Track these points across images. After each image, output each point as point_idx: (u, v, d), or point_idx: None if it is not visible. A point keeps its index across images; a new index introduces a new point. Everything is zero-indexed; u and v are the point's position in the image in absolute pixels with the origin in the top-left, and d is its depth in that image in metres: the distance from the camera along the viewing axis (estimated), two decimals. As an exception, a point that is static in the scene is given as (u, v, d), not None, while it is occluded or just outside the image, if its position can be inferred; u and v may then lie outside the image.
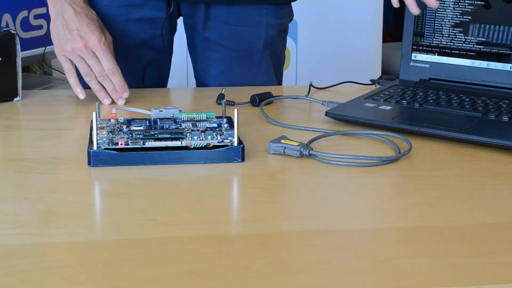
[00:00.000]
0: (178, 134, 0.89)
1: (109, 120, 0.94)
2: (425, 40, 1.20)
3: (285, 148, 0.90)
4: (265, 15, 1.29)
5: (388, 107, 1.07)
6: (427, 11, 1.19)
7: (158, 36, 1.27)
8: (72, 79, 1.15)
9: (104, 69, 1.12)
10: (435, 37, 1.19)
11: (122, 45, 1.25)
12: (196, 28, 1.29)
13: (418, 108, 1.07)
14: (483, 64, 1.17)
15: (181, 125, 0.93)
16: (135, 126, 0.92)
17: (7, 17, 1.93)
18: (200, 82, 1.34)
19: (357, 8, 2.35)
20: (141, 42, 1.27)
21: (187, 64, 2.13)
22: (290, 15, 1.35)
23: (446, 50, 1.19)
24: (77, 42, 1.11)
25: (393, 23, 3.54)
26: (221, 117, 0.96)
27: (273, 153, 0.90)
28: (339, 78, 1.33)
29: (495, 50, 1.15)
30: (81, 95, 1.15)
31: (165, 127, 0.92)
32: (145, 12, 1.25)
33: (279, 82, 1.38)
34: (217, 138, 0.89)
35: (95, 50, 1.12)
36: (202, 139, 0.88)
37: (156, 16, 1.26)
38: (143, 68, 1.29)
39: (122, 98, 1.15)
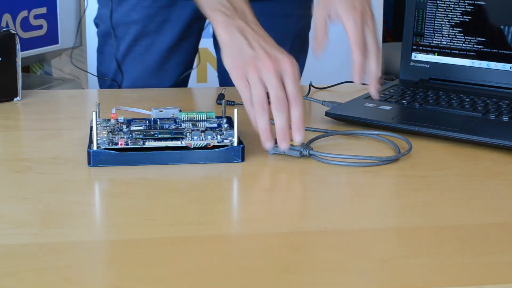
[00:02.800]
0: (178, 134, 0.89)
1: (109, 120, 0.94)
2: (425, 40, 1.20)
3: None
4: (296, 6, 1.32)
5: (388, 107, 1.07)
6: (427, 11, 1.19)
7: (191, 36, 1.28)
8: (263, 120, 0.87)
9: (288, 95, 0.87)
10: (435, 37, 1.19)
11: (158, 44, 1.27)
12: None
13: (418, 108, 1.07)
14: (483, 64, 1.17)
15: (181, 125, 0.93)
16: (135, 126, 0.92)
17: (7, 17, 1.93)
18: (226, 76, 1.34)
19: (357, 8, 2.35)
20: (175, 42, 1.28)
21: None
22: (312, 8, 1.37)
23: (446, 50, 1.19)
24: (265, 60, 0.88)
25: (393, 23, 3.54)
26: (221, 117, 0.96)
27: (273, 153, 0.90)
28: (339, 78, 1.33)
29: (495, 50, 1.15)
30: (269, 144, 0.88)
31: (165, 127, 0.92)
32: (183, 12, 1.26)
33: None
34: (217, 138, 0.89)
35: (285, 73, 0.88)
36: (202, 139, 0.88)
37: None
38: (172, 68, 1.30)
39: (284, 142, 0.87)
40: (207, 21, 1.18)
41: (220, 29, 0.93)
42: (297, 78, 0.88)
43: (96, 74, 1.34)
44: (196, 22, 1.28)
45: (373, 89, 0.99)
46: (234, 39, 0.92)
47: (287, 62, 0.88)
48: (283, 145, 0.87)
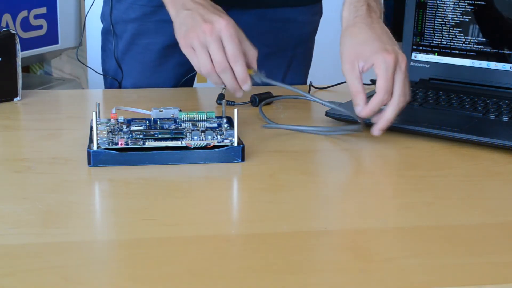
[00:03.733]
0: (178, 134, 0.89)
1: (109, 120, 0.94)
2: (425, 40, 1.20)
3: None
4: (299, 13, 1.32)
5: (388, 107, 1.07)
6: (427, 11, 1.19)
7: None
8: (214, 80, 0.98)
9: (227, 55, 0.95)
10: (435, 37, 1.19)
11: (155, 43, 1.27)
12: None
13: (418, 108, 1.07)
14: (483, 64, 1.17)
15: (181, 125, 0.93)
16: (135, 126, 0.92)
17: (7, 17, 1.93)
18: None
19: (357, 8, 2.35)
20: (175, 42, 1.28)
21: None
22: (320, 12, 1.37)
23: (446, 50, 1.19)
24: (201, 25, 0.95)
25: (393, 23, 3.54)
26: (221, 117, 0.96)
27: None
28: (339, 78, 1.33)
29: (495, 50, 1.15)
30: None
31: (165, 127, 0.92)
32: None
33: (305, 81, 1.39)
34: (217, 138, 0.89)
35: (222, 33, 0.95)
36: (202, 139, 0.88)
37: None
38: (172, 68, 1.29)
39: (241, 90, 0.98)
40: None
41: (169, 7, 1.02)
42: (232, 35, 0.94)
43: (99, 72, 1.34)
44: None
45: (377, 131, 0.95)
46: (179, 14, 1.00)
47: (221, 23, 0.94)
48: (238, 94, 0.98)
